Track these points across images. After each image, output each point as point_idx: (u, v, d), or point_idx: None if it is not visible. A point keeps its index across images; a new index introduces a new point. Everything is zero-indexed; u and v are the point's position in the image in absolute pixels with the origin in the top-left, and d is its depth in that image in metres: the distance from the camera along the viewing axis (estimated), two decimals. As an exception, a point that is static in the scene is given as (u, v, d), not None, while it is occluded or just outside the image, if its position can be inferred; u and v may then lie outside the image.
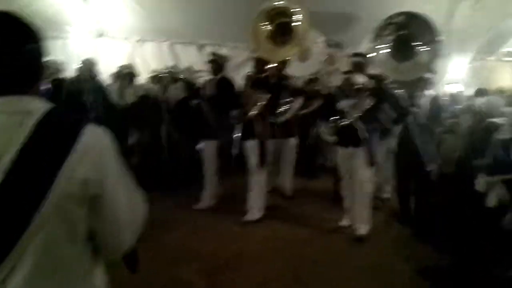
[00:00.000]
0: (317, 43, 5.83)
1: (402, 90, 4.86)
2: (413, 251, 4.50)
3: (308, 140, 6.53)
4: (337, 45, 6.20)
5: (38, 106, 1.26)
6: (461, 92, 6.47)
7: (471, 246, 3.73)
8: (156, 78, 6.34)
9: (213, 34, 8.05)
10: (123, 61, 6.82)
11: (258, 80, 5.25)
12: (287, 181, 5.79)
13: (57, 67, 6.23)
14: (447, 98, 6.59)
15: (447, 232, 4.51)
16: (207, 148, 5.39)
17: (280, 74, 5.24)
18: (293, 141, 5.50)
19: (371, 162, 4.50)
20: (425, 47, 4.41)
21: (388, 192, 5.81)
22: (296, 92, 5.38)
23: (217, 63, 5.44)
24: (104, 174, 1.30)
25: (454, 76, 7.25)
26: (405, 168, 4.86)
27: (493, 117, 4.02)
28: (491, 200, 3.36)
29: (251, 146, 5.07)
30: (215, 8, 7.46)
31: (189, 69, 6.50)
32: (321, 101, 5.63)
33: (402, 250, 4.50)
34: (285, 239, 4.58)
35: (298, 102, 5.38)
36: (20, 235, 1.20)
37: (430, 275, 4.02)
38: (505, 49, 6.31)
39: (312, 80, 6.36)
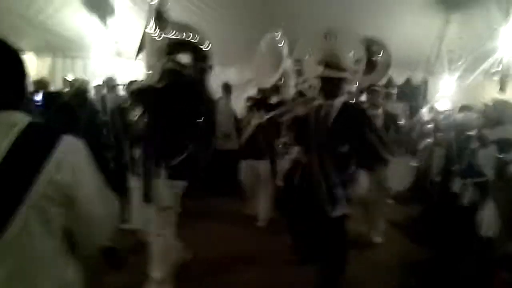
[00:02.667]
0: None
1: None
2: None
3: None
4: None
5: (21, 119, 1.44)
6: (449, 108, 7.22)
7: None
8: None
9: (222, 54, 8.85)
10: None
11: None
12: None
13: (79, 85, 7.01)
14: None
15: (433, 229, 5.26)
16: None
17: None
18: None
19: None
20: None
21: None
22: None
23: None
24: (80, 179, 1.48)
25: (443, 94, 8.03)
26: None
27: (470, 130, 4.76)
28: (465, 199, 4.08)
29: None
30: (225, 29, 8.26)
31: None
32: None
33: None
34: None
35: None
36: (3, 230, 1.35)
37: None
38: (488, 67, 7.02)
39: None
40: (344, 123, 3.49)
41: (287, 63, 5.10)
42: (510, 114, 4.16)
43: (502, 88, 5.59)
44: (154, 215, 3.64)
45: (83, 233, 1.57)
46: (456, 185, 4.32)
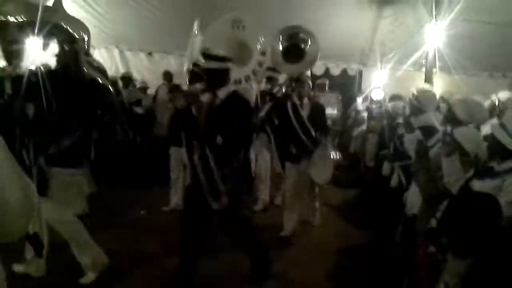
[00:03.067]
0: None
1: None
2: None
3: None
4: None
5: None
6: (381, 98, 7.69)
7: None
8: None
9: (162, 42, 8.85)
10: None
11: None
12: None
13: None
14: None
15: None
16: None
17: None
18: None
19: None
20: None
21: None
22: None
23: None
24: None
25: (377, 84, 8.50)
26: None
27: (399, 118, 5.14)
28: (393, 182, 4.44)
29: None
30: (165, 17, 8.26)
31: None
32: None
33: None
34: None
35: None
36: None
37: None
38: (416, 60, 7.55)
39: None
40: (225, 114, 3.43)
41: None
42: (431, 102, 4.54)
43: (427, 79, 6.05)
44: (50, 203, 3.60)
45: (2, 222, 1.48)
46: (385, 168, 4.68)
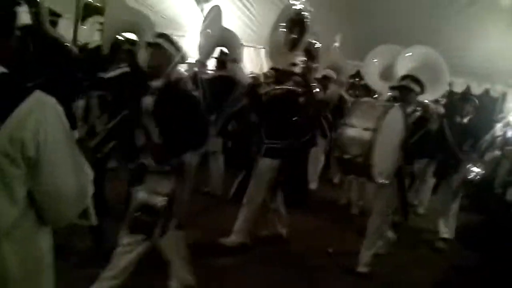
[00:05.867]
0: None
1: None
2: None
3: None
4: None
5: None
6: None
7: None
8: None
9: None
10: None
11: None
12: None
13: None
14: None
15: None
16: None
17: None
18: None
19: None
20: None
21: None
22: None
23: None
24: (43, 140, 1.33)
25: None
26: None
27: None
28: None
29: None
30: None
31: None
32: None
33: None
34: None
35: None
36: None
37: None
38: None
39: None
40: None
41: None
42: None
43: None
44: None
45: (47, 206, 1.45)
46: (510, 194, 4.87)
